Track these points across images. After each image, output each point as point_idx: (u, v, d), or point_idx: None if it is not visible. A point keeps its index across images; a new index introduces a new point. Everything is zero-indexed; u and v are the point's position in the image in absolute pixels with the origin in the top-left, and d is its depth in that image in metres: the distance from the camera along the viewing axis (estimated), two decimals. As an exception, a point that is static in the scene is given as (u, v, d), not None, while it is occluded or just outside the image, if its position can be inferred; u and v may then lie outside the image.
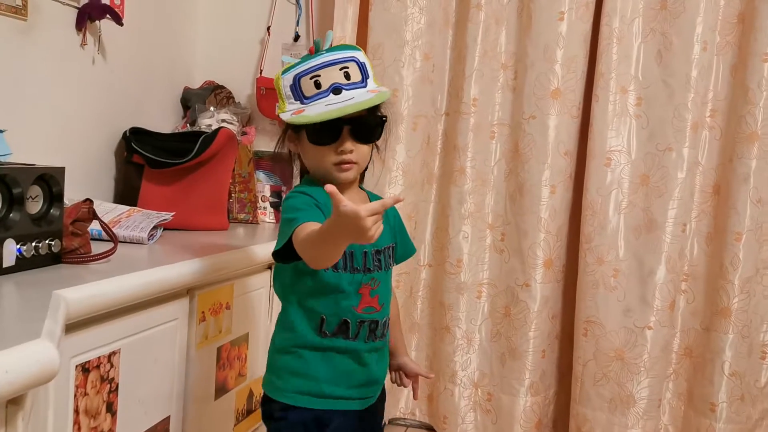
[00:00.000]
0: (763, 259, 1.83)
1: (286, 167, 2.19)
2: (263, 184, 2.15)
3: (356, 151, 1.09)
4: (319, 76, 1.08)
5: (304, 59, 1.10)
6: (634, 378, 1.83)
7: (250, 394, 1.69)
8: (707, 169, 1.88)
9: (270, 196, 2.17)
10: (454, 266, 1.98)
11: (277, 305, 1.82)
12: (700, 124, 1.84)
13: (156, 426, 1.28)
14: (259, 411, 1.75)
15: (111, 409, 1.13)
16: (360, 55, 1.12)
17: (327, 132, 1.08)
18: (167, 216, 1.57)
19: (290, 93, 1.10)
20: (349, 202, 0.88)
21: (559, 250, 1.93)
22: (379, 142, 1.15)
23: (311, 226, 0.99)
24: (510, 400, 1.95)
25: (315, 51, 1.11)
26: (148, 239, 1.50)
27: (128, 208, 1.59)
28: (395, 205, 1.06)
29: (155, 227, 1.53)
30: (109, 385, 1.12)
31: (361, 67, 1.10)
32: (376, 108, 1.11)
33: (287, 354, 1.16)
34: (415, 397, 1.31)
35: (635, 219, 1.85)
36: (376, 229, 0.89)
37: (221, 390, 1.53)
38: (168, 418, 1.32)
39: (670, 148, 1.82)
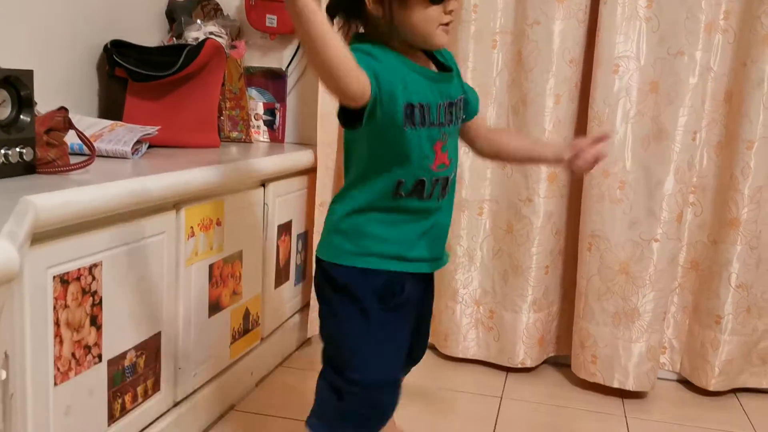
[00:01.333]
0: (776, 168, 1.76)
1: (279, 84, 2.11)
2: (256, 102, 2.08)
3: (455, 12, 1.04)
4: None
5: None
6: (639, 291, 1.79)
7: (247, 313, 1.66)
8: (719, 74, 1.79)
9: (263, 113, 2.09)
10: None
11: (273, 223, 1.78)
12: (713, 27, 1.74)
13: (146, 341, 1.25)
14: (257, 330, 1.73)
15: (95, 322, 1.10)
16: None
17: None
18: (152, 130, 1.50)
19: None
20: None
21: (563, 164, 1.87)
22: None
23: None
24: (512, 317, 1.92)
25: None
26: (132, 153, 1.44)
27: (111, 122, 1.52)
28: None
29: (139, 141, 1.47)
30: (91, 298, 1.08)
31: None
32: None
33: (358, 215, 1.08)
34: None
35: (644, 128, 1.77)
36: None
37: (215, 308, 1.50)
38: (159, 333, 1.29)
39: (681, 52, 1.72)
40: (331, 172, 1.97)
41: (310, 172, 1.95)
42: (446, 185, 1.11)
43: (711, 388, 1.84)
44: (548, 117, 1.81)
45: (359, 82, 0.94)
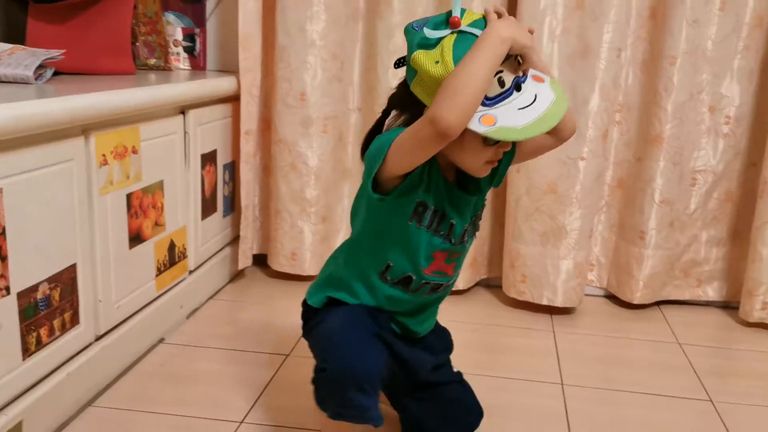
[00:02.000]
0: (697, 83, 1.79)
1: (198, 8, 2.01)
2: (174, 27, 1.98)
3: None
4: (501, 71, 0.91)
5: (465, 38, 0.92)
6: (566, 210, 1.81)
7: (172, 245, 1.61)
8: (644, -9, 1.79)
9: (183, 40, 1.99)
10: (384, 107, 1.88)
11: (195, 152, 1.72)
12: (638, -59, 1.72)
13: (60, 273, 1.20)
14: (184, 262, 1.69)
15: (0, 253, 1.04)
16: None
17: None
18: (57, 53, 1.41)
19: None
20: None
21: (491, 85, 1.85)
22: None
23: None
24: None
25: (454, 25, 0.93)
26: (35, 78, 1.35)
27: (11, 45, 1.42)
28: None
29: (42, 66, 1.38)
30: (-7, 228, 1.02)
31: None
32: None
33: (342, 286, 1.11)
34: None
35: (570, 46, 1.76)
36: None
37: (136, 239, 1.45)
38: (74, 266, 1.24)
39: (606, -33, 1.70)
40: (256, 100, 1.91)
41: (234, 99, 1.89)
42: (438, 288, 1.10)
43: (636, 302, 1.90)
44: (475, 36, 1.78)
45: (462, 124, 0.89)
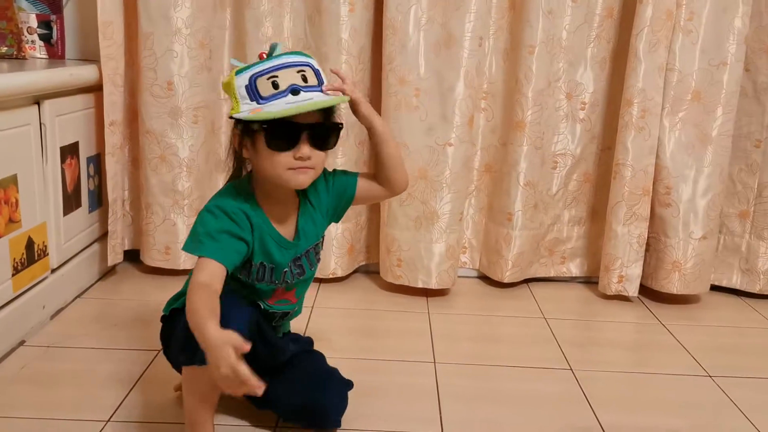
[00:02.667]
0: (554, 72, 1.89)
1: (54, -7, 1.91)
2: (27, 14, 1.87)
3: (313, 157, 1.08)
4: (276, 76, 1.06)
5: (257, 64, 1.09)
6: (437, 195, 1.87)
7: (30, 243, 1.53)
8: (503, -18, 1.87)
9: (38, 27, 1.89)
10: (255, 96, 1.86)
11: (53, 144, 1.63)
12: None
13: None
14: (44, 260, 1.61)
15: None
16: (314, 63, 1.11)
17: (286, 136, 1.06)
18: None
19: (245, 93, 1.07)
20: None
21: (362, 73, 1.87)
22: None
23: (205, 297, 0.98)
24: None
25: (268, 55, 1.10)
26: None
27: None
28: (327, 177, 1.21)
29: None
30: None
31: (317, 73, 1.10)
32: (331, 115, 1.12)
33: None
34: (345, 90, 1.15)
35: (434, 35, 1.81)
36: (228, 381, 0.89)
37: (-12, 237, 1.36)
38: None
39: (466, -42, 1.76)
40: (120, 90, 1.84)
41: (96, 89, 1.81)
42: (285, 316, 1.24)
43: (506, 280, 1.99)
44: (344, 25, 1.80)
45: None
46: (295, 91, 1.05)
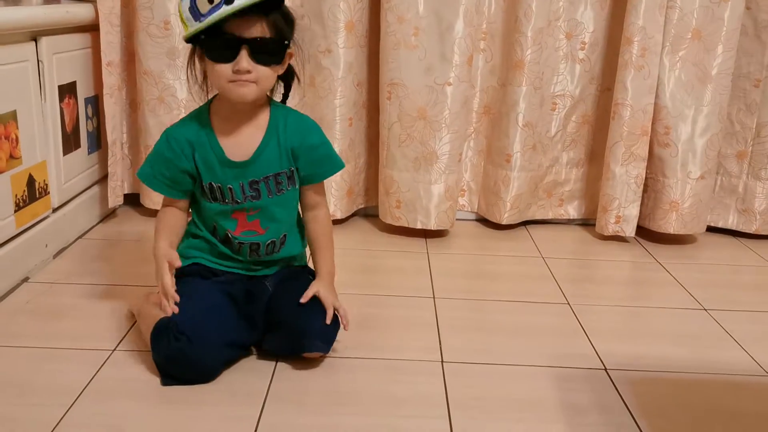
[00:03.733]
0: (554, 11, 1.87)
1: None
2: (21, -48, 1.84)
3: (255, 72, 1.12)
4: None
5: None
6: (436, 135, 1.87)
7: (31, 180, 1.54)
8: None
9: (32, -34, 1.86)
10: (253, 36, 1.84)
11: (51, 83, 1.63)
12: None
13: None
14: (46, 199, 1.62)
15: None
16: None
17: (224, 49, 1.10)
18: None
19: (189, 15, 1.10)
20: (167, 279, 1.16)
21: (360, 12, 1.86)
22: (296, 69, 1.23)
23: (166, 218, 1.25)
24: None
25: None
26: None
27: None
28: (308, 126, 1.26)
29: None
30: None
31: None
32: (279, 33, 1.12)
33: (187, 238, 1.29)
34: (345, 328, 1.26)
35: (434, -28, 1.79)
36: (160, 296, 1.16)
37: (-11, 171, 1.37)
38: None
39: None
40: (116, 30, 1.82)
41: (93, 29, 1.80)
42: (258, 248, 1.27)
43: (504, 222, 2.01)
44: (342, -37, 1.78)
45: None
46: (228, 0, 1.06)
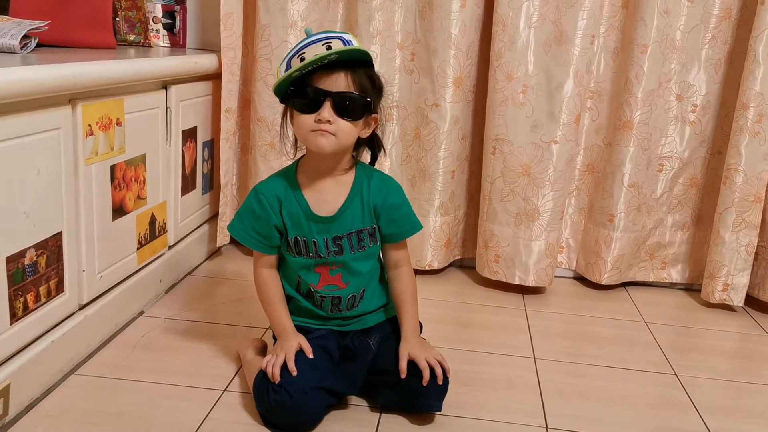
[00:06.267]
0: (666, 72, 1.85)
1: (178, -15, 2.01)
2: (154, 4, 1.98)
3: (336, 124, 1.16)
4: (304, 52, 1.15)
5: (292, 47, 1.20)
6: (540, 192, 1.87)
7: (153, 219, 1.63)
8: (618, -19, 1.85)
9: (162, 17, 1.99)
10: (363, 88, 1.91)
11: (177, 127, 1.73)
12: (612, -68, 1.78)
13: (47, 240, 1.21)
14: (164, 237, 1.70)
15: (-10, 217, 1.05)
16: (347, 36, 1.18)
17: (309, 99, 1.16)
18: (41, 24, 1.41)
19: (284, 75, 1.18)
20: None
21: (469, 69, 1.89)
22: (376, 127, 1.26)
23: (271, 284, 1.31)
24: (420, 221, 1.96)
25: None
26: (21, 48, 1.35)
27: (-6, 15, 1.42)
28: (391, 186, 1.29)
29: (27, 36, 1.38)
30: (-16, 191, 1.03)
31: (345, 42, 1.16)
32: (363, 91, 1.17)
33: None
34: (447, 373, 1.25)
35: (545, 32, 1.81)
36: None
37: (119, 212, 1.46)
38: (60, 234, 1.25)
39: (582, -44, 1.76)
40: (236, 79, 1.92)
41: (215, 77, 1.90)
42: (339, 302, 1.30)
43: (603, 282, 1.97)
44: (455, 21, 1.82)
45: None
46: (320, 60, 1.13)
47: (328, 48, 1.14)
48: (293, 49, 1.19)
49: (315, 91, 1.15)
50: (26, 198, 1.14)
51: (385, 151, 1.33)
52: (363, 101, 1.18)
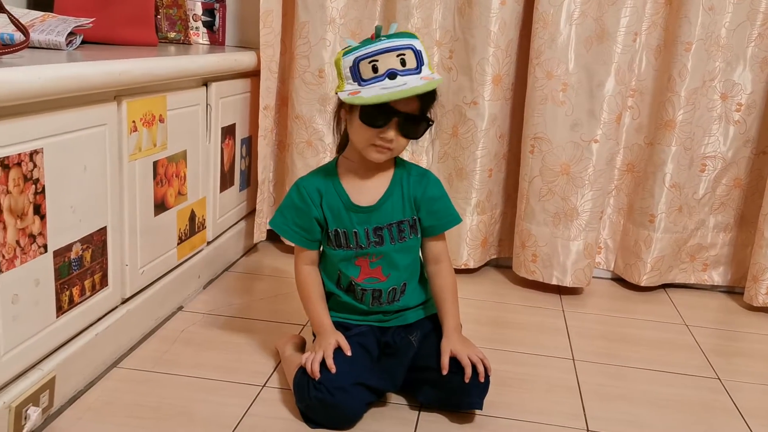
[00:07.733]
0: (710, 71, 1.82)
1: (217, -17, 2.02)
2: (194, 2, 1.99)
3: (395, 142, 1.18)
4: (377, 60, 1.13)
5: (364, 44, 1.16)
6: (579, 191, 1.84)
7: (192, 215, 1.64)
8: (661, -23, 1.81)
9: (202, 14, 2.01)
10: (400, 86, 1.90)
11: (216, 124, 1.74)
12: (657, -73, 1.75)
13: (92, 235, 1.22)
14: (203, 233, 1.71)
15: (39, 211, 1.06)
16: (417, 43, 1.16)
17: (378, 117, 1.16)
18: (87, 21, 1.43)
19: (349, 74, 1.16)
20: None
21: (508, 66, 1.87)
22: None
23: (311, 281, 1.31)
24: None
25: (375, 37, 1.16)
26: (67, 45, 1.37)
27: (42, 13, 1.44)
28: (430, 179, 1.29)
29: (73, 33, 1.40)
30: (34, 186, 1.05)
31: (417, 55, 1.15)
32: (428, 107, 1.19)
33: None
34: (489, 371, 1.24)
35: (587, 30, 1.78)
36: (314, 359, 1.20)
37: (161, 207, 1.47)
38: (104, 228, 1.26)
39: (625, -48, 1.73)
40: (275, 76, 1.93)
41: (253, 75, 1.91)
42: (380, 295, 1.30)
43: (643, 284, 1.94)
44: (494, 18, 1.81)
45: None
46: (392, 75, 1.12)
47: (402, 62, 1.13)
48: (363, 48, 1.15)
49: (386, 109, 1.15)
50: (73, 193, 1.16)
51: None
52: (427, 124, 1.20)
